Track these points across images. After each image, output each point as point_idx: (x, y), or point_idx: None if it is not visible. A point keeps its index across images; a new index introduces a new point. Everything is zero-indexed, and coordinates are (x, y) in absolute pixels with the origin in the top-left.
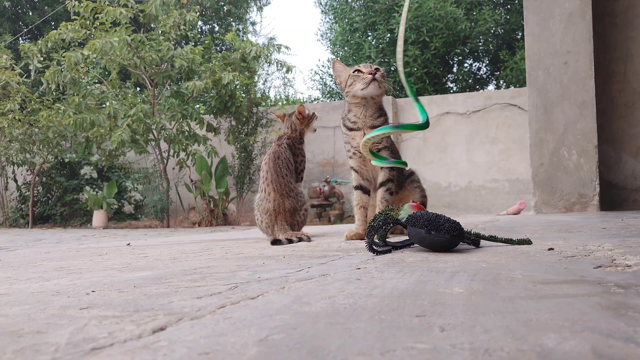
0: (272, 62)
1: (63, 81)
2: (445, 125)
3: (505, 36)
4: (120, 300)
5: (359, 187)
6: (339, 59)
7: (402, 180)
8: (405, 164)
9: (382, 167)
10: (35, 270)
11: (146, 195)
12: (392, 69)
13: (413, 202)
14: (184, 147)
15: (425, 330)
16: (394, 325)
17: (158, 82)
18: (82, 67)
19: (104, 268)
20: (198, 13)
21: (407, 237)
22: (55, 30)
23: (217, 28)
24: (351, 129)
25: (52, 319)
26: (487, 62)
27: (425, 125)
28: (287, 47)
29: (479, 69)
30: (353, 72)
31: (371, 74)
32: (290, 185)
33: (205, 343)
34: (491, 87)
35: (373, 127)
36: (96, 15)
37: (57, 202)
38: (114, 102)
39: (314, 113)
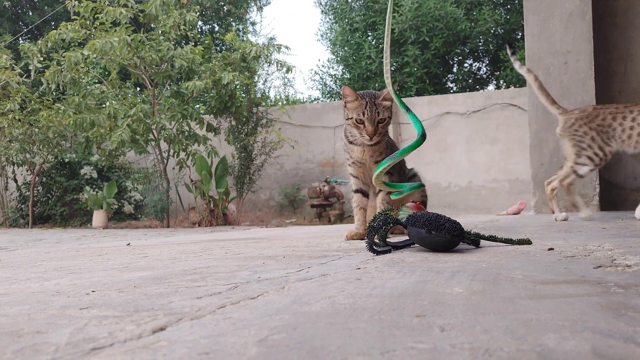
0: (272, 62)
1: (63, 81)
2: (445, 125)
3: (505, 36)
4: (120, 300)
5: (358, 191)
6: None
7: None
8: (422, 185)
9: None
10: (35, 270)
11: (146, 195)
12: (392, 69)
13: (413, 202)
14: (184, 147)
15: (425, 330)
16: (394, 325)
17: (158, 82)
18: (82, 67)
19: (104, 268)
20: (198, 13)
21: (407, 237)
22: (55, 30)
23: (217, 28)
24: (351, 142)
25: (52, 319)
26: (487, 62)
27: (421, 140)
28: (287, 47)
29: (479, 69)
30: (354, 112)
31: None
32: None
33: (205, 343)
34: (491, 87)
35: (370, 145)
36: (96, 15)
37: (57, 202)
38: (114, 102)
39: None
